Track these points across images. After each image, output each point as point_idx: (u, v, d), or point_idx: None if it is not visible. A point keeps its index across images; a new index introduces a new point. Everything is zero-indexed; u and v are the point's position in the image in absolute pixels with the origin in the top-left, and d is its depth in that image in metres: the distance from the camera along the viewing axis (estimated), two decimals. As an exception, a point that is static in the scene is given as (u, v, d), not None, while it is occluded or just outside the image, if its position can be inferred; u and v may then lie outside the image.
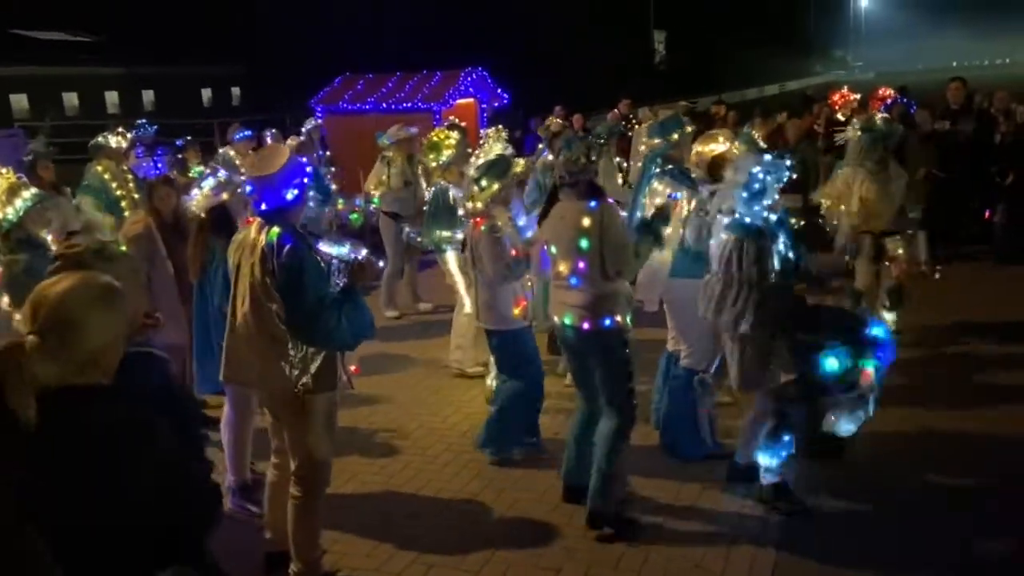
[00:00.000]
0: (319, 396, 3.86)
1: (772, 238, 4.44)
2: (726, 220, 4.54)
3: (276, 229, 3.72)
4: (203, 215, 5.07)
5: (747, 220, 4.45)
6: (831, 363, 4.35)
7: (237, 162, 8.44)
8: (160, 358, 2.67)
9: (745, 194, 4.42)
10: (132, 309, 2.42)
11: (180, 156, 9.95)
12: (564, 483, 4.83)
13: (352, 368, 4.13)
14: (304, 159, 4.15)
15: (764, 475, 4.62)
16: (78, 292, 2.19)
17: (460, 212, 6.33)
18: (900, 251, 6.73)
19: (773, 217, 4.47)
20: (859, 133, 6.70)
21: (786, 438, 4.52)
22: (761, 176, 4.40)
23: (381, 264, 4.11)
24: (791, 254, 4.50)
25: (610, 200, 4.43)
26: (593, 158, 4.40)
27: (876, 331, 4.53)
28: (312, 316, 3.66)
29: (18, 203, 5.24)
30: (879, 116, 7.04)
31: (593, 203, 4.29)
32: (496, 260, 5.10)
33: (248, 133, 10.00)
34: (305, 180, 3.85)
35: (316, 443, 3.94)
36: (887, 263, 6.77)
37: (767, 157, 4.58)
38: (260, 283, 3.73)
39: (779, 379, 4.54)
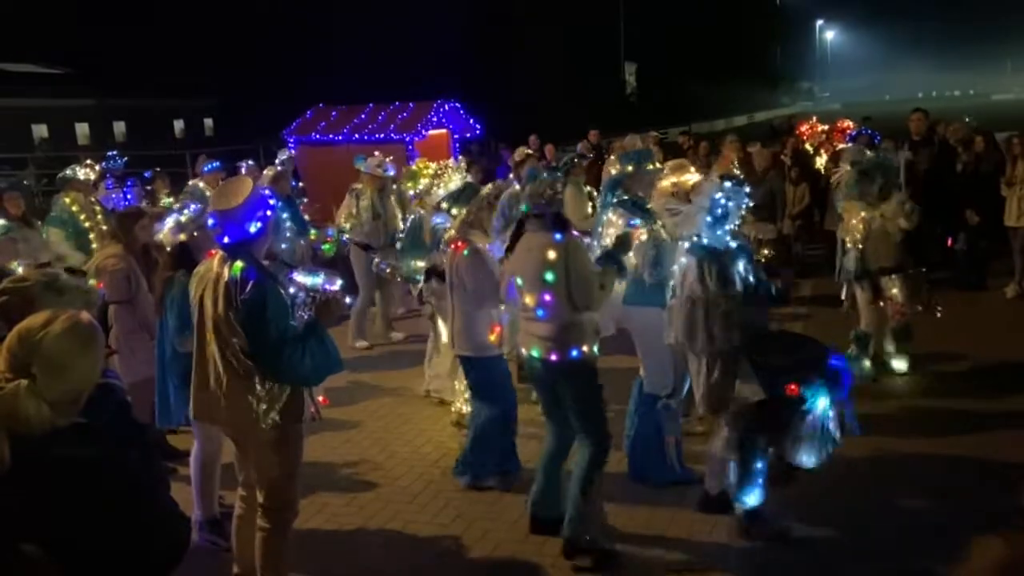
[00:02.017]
0: (286, 428, 3.84)
1: (733, 260, 4.51)
2: (686, 244, 4.60)
3: (239, 264, 3.68)
4: (167, 251, 5.07)
5: (705, 242, 4.52)
6: (807, 395, 4.28)
7: (207, 194, 8.43)
8: (118, 388, 2.66)
9: (709, 219, 4.50)
10: None
11: (149, 188, 9.91)
12: (531, 514, 4.78)
13: (320, 399, 4.11)
14: (270, 191, 4.13)
15: (739, 502, 4.57)
16: (70, 336, 2.30)
17: (430, 240, 6.31)
18: (895, 290, 6.68)
19: (733, 242, 4.54)
20: (848, 167, 6.72)
21: (758, 466, 4.50)
22: (723, 201, 4.49)
23: (348, 301, 4.11)
24: (751, 277, 4.55)
25: (575, 233, 4.46)
26: (559, 190, 4.44)
27: (835, 362, 4.47)
28: (275, 351, 3.64)
29: None
30: (868, 150, 7.04)
31: (559, 236, 4.33)
32: (481, 282, 5.05)
33: (217, 164, 9.97)
34: (268, 213, 3.81)
35: (283, 475, 3.92)
36: (881, 303, 6.75)
37: (727, 183, 4.66)
38: (223, 318, 3.69)
39: (743, 401, 4.49)
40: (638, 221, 5.05)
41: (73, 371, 2.29)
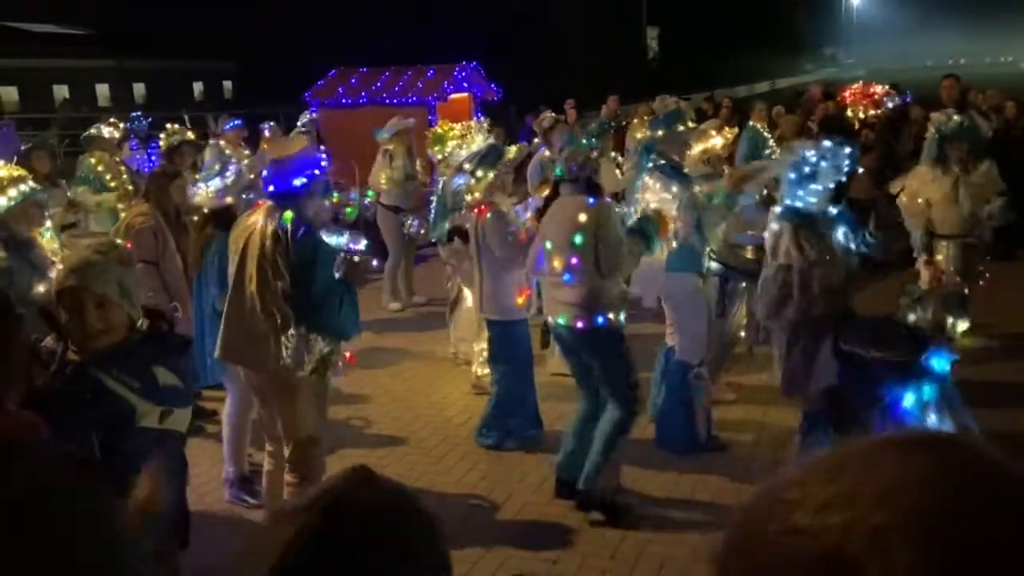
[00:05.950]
0: (309, 377, 3.94)
1: (832, 226, 4.37)
2: (777, 209, 4.52)
3: (289, 213, 3.78)
4: (207, 210, 5.07)
5: (799, 205, 4.37)
6: (909, 399, 3.99)
7: (228, 152, 8.43)
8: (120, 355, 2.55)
9: (793, 176, 4.36)
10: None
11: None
12: (557, 476, 4.79)
13: (347, 355, 4.19)
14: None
15: None
16: None
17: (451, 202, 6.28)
18: (939, 256, 6.34)
19: (832, 207, 4.39)
20: (933, 132, 6.43)
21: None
22: (814, 160, 4.34)
23: (375, 263, 4.26)
24: (854, 246, 4.38)
25: (608, 199, 4.47)
26: (596, 155, 4.42)
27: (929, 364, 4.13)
28: (322, 298, 3.78)
29: (2, 200, 4.73)
30: (956, 115, 6.52)
31: (592, 200, 4.32)
32: (504, 242, 5.10)
33: (238, 122, 9.90)
34: (316, 172, 3.91)
35: (309, 429, 4.01)
36: (921, 264, 6.36)
37: (827, 143, 4.49)
38: (272, 259, 3.76)
39: (820, 385, 4.32)
40: (676, 186, 4.97)
41: None
